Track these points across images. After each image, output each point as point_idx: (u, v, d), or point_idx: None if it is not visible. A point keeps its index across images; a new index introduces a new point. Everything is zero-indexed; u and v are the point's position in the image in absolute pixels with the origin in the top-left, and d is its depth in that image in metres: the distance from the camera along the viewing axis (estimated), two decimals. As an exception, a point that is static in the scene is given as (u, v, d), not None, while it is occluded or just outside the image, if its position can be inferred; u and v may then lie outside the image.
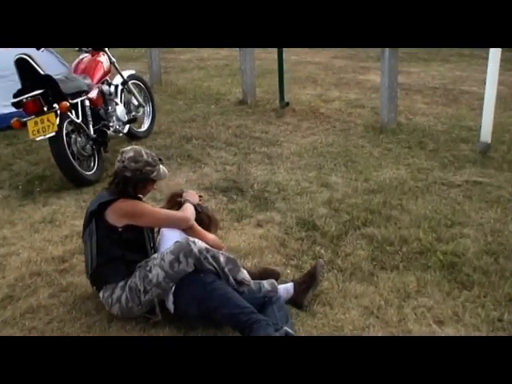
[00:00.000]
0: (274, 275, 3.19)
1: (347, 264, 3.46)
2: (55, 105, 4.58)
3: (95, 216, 2.92)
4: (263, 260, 3.56)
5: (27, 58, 4.56)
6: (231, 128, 6.56)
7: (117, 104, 5.67)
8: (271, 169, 5.18)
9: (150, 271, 2.83)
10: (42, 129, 4.55)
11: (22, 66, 4.58)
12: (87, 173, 4.98)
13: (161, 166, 3.11)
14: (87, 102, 5.03)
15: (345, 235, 3.84)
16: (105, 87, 5.57)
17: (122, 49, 12.24)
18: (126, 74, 6.10)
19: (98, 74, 5.49)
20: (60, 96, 4.61)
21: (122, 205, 2.91)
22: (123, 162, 2.95)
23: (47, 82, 4.58)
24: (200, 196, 3.47)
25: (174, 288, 2.86)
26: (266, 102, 7.63)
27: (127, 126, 5.70)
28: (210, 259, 2.85)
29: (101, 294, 2.94)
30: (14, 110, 4.72)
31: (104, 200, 2.94)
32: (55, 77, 4.75)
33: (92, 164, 5.12)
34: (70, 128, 4.94)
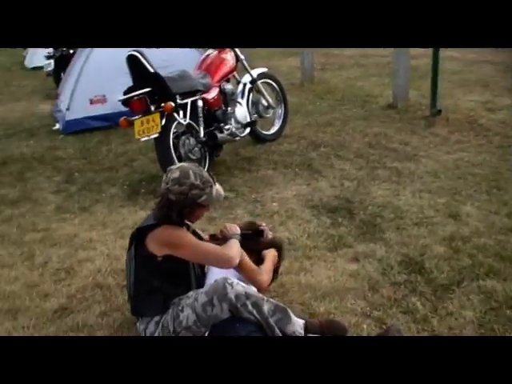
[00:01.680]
0: (340, 331, 2.58)
1: (443, 327, 2.71)
2: (163, 104, 4.37)
3: (135, 241, 2.57)
4: (341, 305, 2.95)
5: (138, 54, 4.40)
6: (368, 136, 5.89)
7: (239, 104, 5.35)
8: (395, 189, 4.45)
9: (182, 311, 2.43)
10: (147, 129, 4.39)
11: (133, 63, 4.44)
12: (193, 177, 4.70)
13: (215, 187, 2.65)
14: (200, 103, 4.76)
15: (456, 286, 3.05)
16: (227, 86, 5.27)
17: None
18: (256, 72, 5.75)
19: (220, 73, 5.19)
20: (167, 95, 4.39)
21: (163, 233, 2.51)
22: (167, 183, 2.55)
23: (155, 80, 4.39)
24: (259, 225, 2.96)
25: (207, 334, 2.41)
26: (417, 108, 6.78)
27: (247, 130, 5.34)
28: (250, 307, 2.35)
29: (137, 325, 2.60)
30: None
31: (145, 224, 2.58)
32: (167, 75, 4.56)
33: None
34: (181, 129, 4.72)
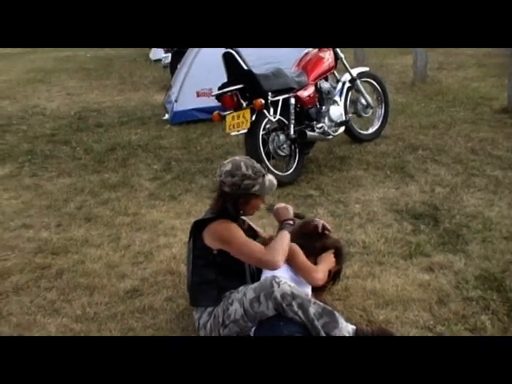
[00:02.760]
0: (392, 342, 2.51)
1: (508, 352, 2.53)
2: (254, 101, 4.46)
3: (193, 233, 2.67)
4: (403, 316, 2.86)
5: (233, 52, 4.54)
6: (472, 141, 5.59)
7: (335, 103, 5.30)
8: (490, 199, 4.21)
9: (232, 304, 2.49)
10: (237, 124, 4.51)
11: (228, 60, 4.59)
12: (281, 173, 4.76)
13: (267, 177, 2.68)
14: (292, 100, 4.78)
15: (535, 308, 2.84)
16: (324, 85, 5.25)
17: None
18: (356, 71, 5.67)
19: (317, 71, 5.18)
20: (258, 92, 4.47)
21: (216, 227, 2.59)
22: (220, 176, 2.63)
23: (248, 77, 4.49)
24: (326, 229, 2.93)
25: (253, 329, 2.46)
26: (535, 113, 6.31)
27: (341, 129, 5.28)
28: (295, 307, 2.36)
29: (194, 313, 2.71)
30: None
31: (201, 218, 2.67)
32: (261, 73, 4.64)
33: (289, 165, 4.88)
34: (272, 126, 4.79)
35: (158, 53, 13.29)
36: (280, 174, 4.76)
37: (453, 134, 5.90)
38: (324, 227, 2.88)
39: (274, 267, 2.53)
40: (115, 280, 3.32)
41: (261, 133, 4.62)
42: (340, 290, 3.10)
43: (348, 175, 4.95)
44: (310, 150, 5.13)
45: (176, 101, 7.18)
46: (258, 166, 2.67)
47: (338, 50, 5.47)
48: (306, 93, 5.00)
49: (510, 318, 2.79)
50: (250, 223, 2.96)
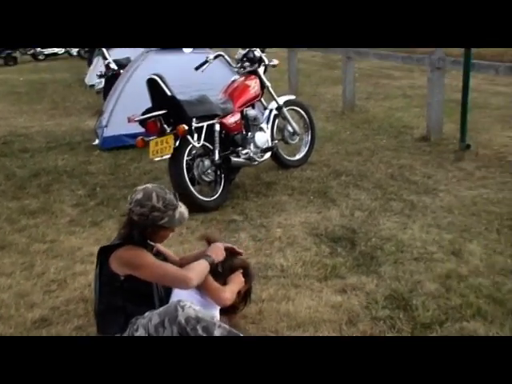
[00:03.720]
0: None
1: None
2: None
3: (100, 259, 2.65)
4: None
5: (157, 78, 4.57)
6: (392, 167, 5.80)
7: (261, 130, 5.40)
8: (404, 223, 4.36)
9: (137, 330, 2.47)
10: (161, 150, 4.52)
11: (152, 85, 4.62)
12: (206, 199, 4.79)
13: (178, 210, 2.69)
14: (217, 127, 4.84)
15: (438, 326, 2.96)
16: (250, 112, 5.35)
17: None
18: (283, 99, 5.81)
19: (243, 99, 5.27)
20: (182, 118, 4.51)
21: (123, 253, 2.58)
22: (130, 203, 2.62)
23: (171, 103, 4.53)
24: (237, 253, 2.97)
25: (158, 355, 2.44)
26: (450, 142, 6.60)
27: (266, 155, 5.38)
28: (200, 331, 2.36)
29: (100, 341, 2.65)
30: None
31: (108, 244, 2.66)
32: (185, 99, 4.68)
33: (214, 190, 4.91)
34: (198, 152, 4.82)
35: (93, 78, 13.17)
36: (205, 199, 4.79)
37: (375, 160, 6.10)
38: (232, 250, 2.92)
39: (187, 286, 2.54)
40: (23, 310, 3.23)
41: (185, 158, 4.64)
42: (254, 314, 3.13)
43: (273, 200, 5.02)
44: (235, 175, 5.18)
45: (106, 126, 7.11)
46: (170, 197, 2.65)
47: (264, 78, 5.59)
48: (232, 119, 5.07)
49: (413, 336, 2.89)
50: (160, 247, 2.95)
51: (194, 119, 4.63)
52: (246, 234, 4.28)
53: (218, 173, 4.91)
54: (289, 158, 5.96)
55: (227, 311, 2.89)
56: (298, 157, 6.07)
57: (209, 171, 4.79)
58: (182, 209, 2.71)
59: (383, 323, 3.02)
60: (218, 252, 2.82)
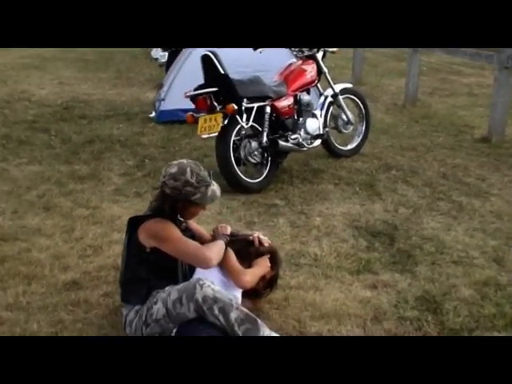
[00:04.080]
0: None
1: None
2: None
3: (129, 229, 2.68)
4: (336, 329, 2.87)
5: (211, 55, 4.57)
6: (445, 166, 5.61)
7: (314, 116, 5.32)
8: (449, 224, 4.21)
9: (156, 303, 2.49)
10: (209, 127, 4.53)
11: (206, 62, 4.62)
12: (250, 180, 4.78)
13: (211, 187, 2.68)
14: (268, 109, 4.80)
15: (467, 333, 2.85)
16: (304, 97, 5.27)
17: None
18: (339, 87, 5.70)
19: (298, 83, 5.20)
20: (232, 97, 4.49)
21: (151, 225, 2.60)
22: (164, 177, 2.64)
23: (223, 81, 4.51)
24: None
25: (175, 331, 2.46)
26: (512, 145, 6.33)
27: (316, 141, 5.30)
28: (216, 311, 2.36)
29: (122, 310, 2.70)
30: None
31: (138, 215, 2.68)
32: (238, 79, 4.66)
33: (260, 173, 4.89)
34: (247, 132, 4.81)
35: (158, 51, 13.33)
36: (249, 180, 4.78)
37: (429, 157, 5.91)
38: (259, 239, 2.90)
39: (207, 265, 2.56)
40: (57, 271, 3.32)
41: (232, 138, 4.63)
42: (279, 300, 3.10)
43: (317, 188, 4.95)
44: (283, 159, 5.13)
45: (164, 99, 7.19)
46: (204, 174, 2.66)
47: (321, 63, 5.49)
48: (284, 103, 5.01)
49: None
50: (193, 224, 2.96)
51: (245, 99, 4.61)
52: (285, 220, 4.24)
53: (265, 155, 4.87)
54: (340, 148, 5.86)
55: (251, 295, 2.88)
56: (349, 147, 5.95)
57: (255, 153, 4.77)
58: (215, 187, 2.71)
59: (410, 324, 2.93)
60: (223, 229, 2.88)
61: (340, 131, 5.82)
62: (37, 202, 4.40)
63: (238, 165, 4.70)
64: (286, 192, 4.84)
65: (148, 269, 2.59)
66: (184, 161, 2.71)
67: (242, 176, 4.70)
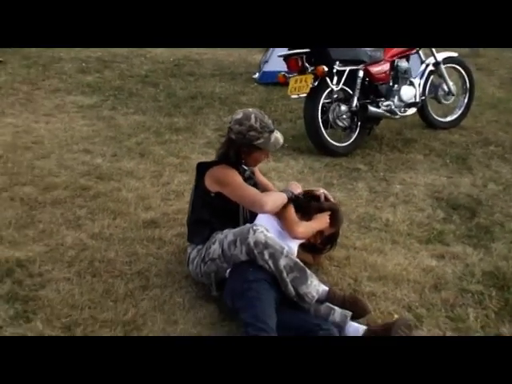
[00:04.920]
0: (361, 311, 2.57)
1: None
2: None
3: (197, 174, 2.86)
4: (391, 292, 2.87)
5: (308, 16, 4.57)
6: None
7: (410, 83, 5.19)
8: (541, 204, 4.00)
9: (214, 243, 2.66)
10: (299, 88, 4.59)
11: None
12: (336, 144, 4.80)
13: (274, 134, 2.78)
14: (361, 73, 4.76)
15: (529, 315, 2.75)
16: (402, 63, 5.15)
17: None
18: (443, 55, 5.48)
19: (396, 49, 5.08)
20: (324, 59, 4.51)
21: (216, 171, 2.77)
22: (230, 122, 2.78)
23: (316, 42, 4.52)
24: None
25: (228, 270, 2.63)
26: None
27: (410, 110, 5.16)
28: (266, 256, 2.48)
29: (187, 248, 2.91)
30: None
31: (205, 161, 2.85)
32: (332, 40, 4.65)
33: (347, 137, 4.90)
34: (338, 96, 4.81)
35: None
36: (335, 143, 4.81)
37: (538, 135, 5.57)
38: (325, 195, 2.97)
39: (261, 207, 2.67)
40: (140, 210, 3.60)
41: (322, 100, 4.65)
42: (341, 258, 3.16)
43: (406, 157, 4.88)
44: (373, 125, 5.08)
45: (267, 61, 7.31)
46: (267, 121, 2.78)
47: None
48: (378, 68, 4.94)
49: (497, 315, 2.73)
50: (259, 176, 3.08)
51: (338, 62, 4.60)
52: (365, 185, 4.25)
53: (355, 120, 4.85)
54: (438, 119, 5.67)
55: (310, 250, 2.97)
56: (449, 118, 5.75)
57: (344, 116, 4.76)
58: (278, 135, 2.81)
59: (470, 296, 2.88)
60: (295, 187, 2.95)
61: (440, 101, 5.62)
62: (135, 148, 4.74)
63: (325, 127, 4.73)
64: (371, 158, 4.81)
65: (211, 212, 2.76)
66: (250, 109, 2.83)
67: (329, 138, 4.74)
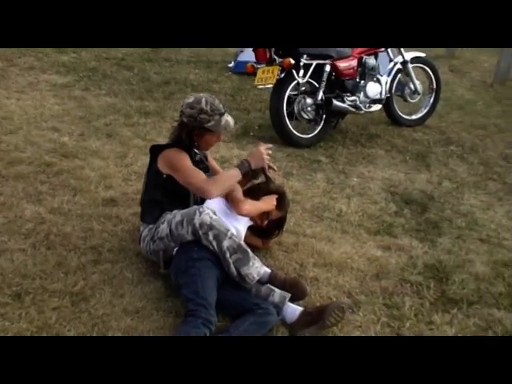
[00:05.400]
0: (300, 293, 2.70)
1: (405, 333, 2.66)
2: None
3: (151, 156, 2.95)
4: (334, 278, 3.01)
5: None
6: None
7: (377, 81, 5.32)
8: (491, 204, 4.17)
9: (163, 223, 2.75)
10: (265, 78, 4.69)
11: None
12: (300, 135, 4.92)
13: (224, 117, 2.88)
14: (327, 68, 4.88)
15: (465, 305, 2.90)
16: (369, 60, 5.27)
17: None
18: (411, 55, 5.63)
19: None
20: (291, 52, 4.62)
21: (168, 153, 2.85)
22: (182, 106, 2.88)
23: (285, 35, 4.62)
24: (269, 168, 3.08)
25: (175, 250, 2.73)
26: None
27: (374, 106, 5.31)
28: (210, 237, 2.59)
29: (140, 227, 3.00)
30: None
31: (159, 144, 2.95)
32: (302, 34, 4.76)
33: (311, 129, 5.02)
34: (305, 89, 4.93)
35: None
36: (299, 135, 4.92)
37: (497, 138, 5.76)
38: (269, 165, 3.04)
39: (206, 195, 2.76)
40: (101, 189, 3.68)
41: (288, 92, 4.76)
42: (290, 244, 3.29)
43: (367, 152, 5.02)
44: (337, 119, 5.21)
45: (242, 51, 7.39)
46: (218, 104, 2.88)
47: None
48: (346, 64, 5.06)
49: (432, 305, 2.88)
50: (211, 160, 3.18)
51: (305, 56, 4.71)
52: (323, 176, 4.37)
53: (320, 113, 4.97)
54: (404, 116, 5.83)
55: (259, 234, 3.09)
56: (414, 117, 5.91)
57: (309, 109, 4.88)
58: (229, 118, 2.92)
59: (409, 286, 3.03)
60: (258, 158, 2.98)
61: (406, 100, 5.77)
62: (102, 128, 4.80)
63: (290, 119, 4.84)
64: (333, 151, 4.94)
65: (163, 193, 2.86)
66: (201, 94, 2.94)
67: (292, 129, 4.85)
